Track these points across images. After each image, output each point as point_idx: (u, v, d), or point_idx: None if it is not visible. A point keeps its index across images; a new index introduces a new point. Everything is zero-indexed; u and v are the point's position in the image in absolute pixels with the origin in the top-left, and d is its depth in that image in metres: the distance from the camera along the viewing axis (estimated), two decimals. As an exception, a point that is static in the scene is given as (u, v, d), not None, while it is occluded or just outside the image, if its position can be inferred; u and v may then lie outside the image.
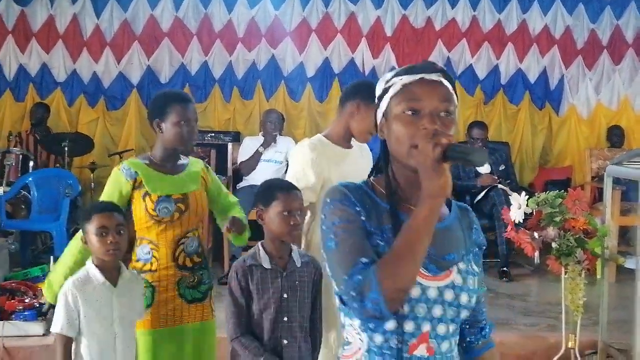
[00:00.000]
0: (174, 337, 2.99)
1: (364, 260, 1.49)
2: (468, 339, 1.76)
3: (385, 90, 1.62)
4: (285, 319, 2.61)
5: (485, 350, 1.78)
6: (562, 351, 4.03)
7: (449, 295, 1.58)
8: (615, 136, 7.59)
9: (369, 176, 1.70)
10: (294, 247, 2.74)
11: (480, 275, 1.68)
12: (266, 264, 2.64)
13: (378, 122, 1.66)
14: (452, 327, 1.61)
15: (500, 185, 6.29)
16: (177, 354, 3.00)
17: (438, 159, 1.44)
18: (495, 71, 7.85)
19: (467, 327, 1.74)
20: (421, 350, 1.57)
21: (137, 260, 2.99)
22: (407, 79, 1.58)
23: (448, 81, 1.60)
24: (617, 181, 5.27)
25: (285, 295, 2.62)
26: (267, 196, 2.67)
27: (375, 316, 1.47)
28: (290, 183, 2.83)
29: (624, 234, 6.27)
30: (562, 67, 7.89)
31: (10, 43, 7.52)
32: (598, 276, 4.18)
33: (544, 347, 4.46)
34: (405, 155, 1.54)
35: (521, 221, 3.88)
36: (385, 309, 1.44)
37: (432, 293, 1.56)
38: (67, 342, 2.69)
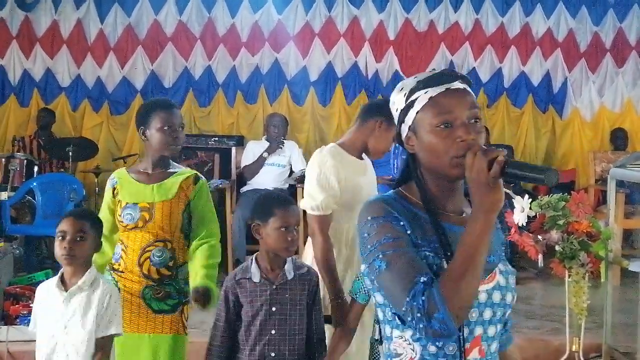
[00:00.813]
0: (137, 345, 2.96)
1: (423, 279, 1.47)
2: None
3: (411, 104, 1.60)
4: (273, 331, 2.59)
5: (509, 344, 1.81)
6: (566, 354, 4.03)
7: (496, 296, 1.61)
8: (619, 139, 7.57)
9: (394, 187, 1.70)
10: (289, 259, 2.70)
11: (514, 272, 1.71)
12: (255, 278, 2.62)
13: (403, 135, 1.64)
14: (499, 327, 1.64)
15: (504, 189, 6.27)
16: None
17: (496, 175, 1.44)
18: (498, 74, 7.85)
19: None
20: (474, 354, 1.59)
21: (113, 257, 3.07)
22: (432, 91, 1.58)
23: (468, 85, 1.61)
24: (620, 184, 5.27)
25: (273, 309, 2.60)
26: (264, 211, 2.64)
27: (442, 335, 1.47)
28: (288, 197, 2.83)
29: (628, 236, 6.26)
30: (566, 70, 7.88)
31: (14, 48, 7.55)
32: (602, 279, 4.18)
33: (548, 350, 4.46)
34: (446, 167, 1.55)
35: (525, 224, 3.88)
36: (453, 327, 1.46)
37: (482, 297, 1.58)
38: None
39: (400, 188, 1.68)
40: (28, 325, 4.25)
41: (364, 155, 3.27)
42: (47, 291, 2.72)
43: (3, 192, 6.05)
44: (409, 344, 1.60)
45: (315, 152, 3.22)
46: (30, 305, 4.51)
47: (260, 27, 7.68)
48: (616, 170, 4.37)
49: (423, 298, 1.45)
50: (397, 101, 1.65)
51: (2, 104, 7.55)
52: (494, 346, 1.63)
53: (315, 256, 3.03)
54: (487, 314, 1.59)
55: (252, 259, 2.69)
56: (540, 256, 3.87)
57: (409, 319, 1.48)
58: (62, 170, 6.97)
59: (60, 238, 2.65)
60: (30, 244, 6.31)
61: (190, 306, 3.05)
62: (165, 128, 2.98)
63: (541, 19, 7.84)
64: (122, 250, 3.02)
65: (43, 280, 4.99)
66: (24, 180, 6.40)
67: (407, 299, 1.47)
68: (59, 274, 2.71)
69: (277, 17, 7.67)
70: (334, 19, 7.72)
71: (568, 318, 3.99)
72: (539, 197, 3.98)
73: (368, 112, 3.21)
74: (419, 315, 1.45)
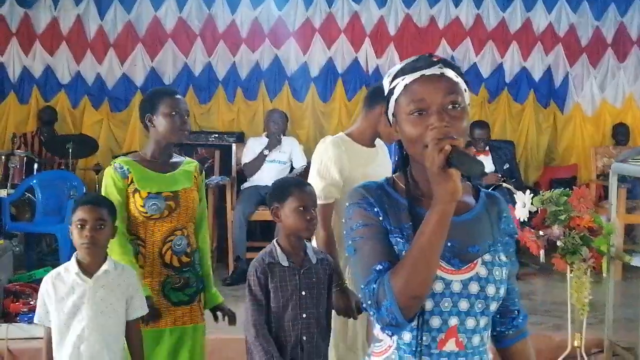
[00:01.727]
0: (157, 339, 2.95)
1: (379, 267, 1.49)
2: (498, 329, 1.73)
3: (391, 92, 1.61)
4: (304, 315, 2.63)
5: (518, 340, 1.76)
6: (568, 350, 4.02)
7: (474, 287, 1.57)
8: (621, 134, 7.56)
9: (393, 173, 1.70)
10: (308, 244, 2.76)
11: (510, 265, 1.66)
12: (284, 262, 2.65)
13: (391, 122, 1.65)
14: (482, 321, 1.59)
15: (504, 184, 6.26)
16: (162, 355, 2.97)
17: (443, 165, 1.43)
18: (499, 70, 7.83)
19: (498, 316, 1.72)
20: (450, 345, 1.56)
21: None
22: (408, 78, 1.57)
23: (451, 69, 1.58)
24: (622, 179, 5.25)
25: (303, 293, 2.64)
26: (281, 193, 2.69)
27: (391, 324, 1.46)
28: (303, 180, 2.85)
29: (630, 231, 6.24)
30: (567, 65, 7.86)
31: (14, 45, 7.53)
32: (604, 274, 4.16)
33: (550, 346, 4.44)
34: (420, 154, 1.54)
35: (526, 220, 3.87)
36: (400, 317, 1.44)
37: (456, 287, 1.55)
38: (49, 332, 2.69)
39: (394, 174, 1.69)
40: (28, 322, 4.30)
41: (378, 141, 3.26)
42: (63, 281, 2.67)
43: (3, 190, 6.04)
44: (389, 335, 1.60)
45: (320, 142, 3.24)
46: (31, 302, 4.52)
47: (260, 24, 7.66)
48: (618, 165, 4.35)
49: (374, 286, 1.47)
50: (385, 88, 1.66)
51: (2, 101, 7.52)
52: (477, 339, 1.59)
53: (317, 244, 3.04)
54: (463, 305, 1.56)
55: (273, 244, 2.71)
56: (541, 251, 3.86)
57: (364, 305, 1.51)
58: (62, 167, 6.95)
59: (79, 227, 2.63)
60: (30, 242, 6.29)
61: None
62: (174, 113, 2.97)
63: (542, 13, 7.82)
64: (140, 245, 2.95)
65: (43, 278, 5.06)
66: (23, 177, 6.39)
67: (362, 285, 1.50)
68: (74, 263, 2.67)
69: (277, 13, 7.65)
70: (335, 14, 7.70)
71: (570, 313, 3.98)
72: (541, 192, 3.97)
73: (373, 98, 3.19)
74: (369, 302, 1.48)
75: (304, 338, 2.62)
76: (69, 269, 2.68)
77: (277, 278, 2.63)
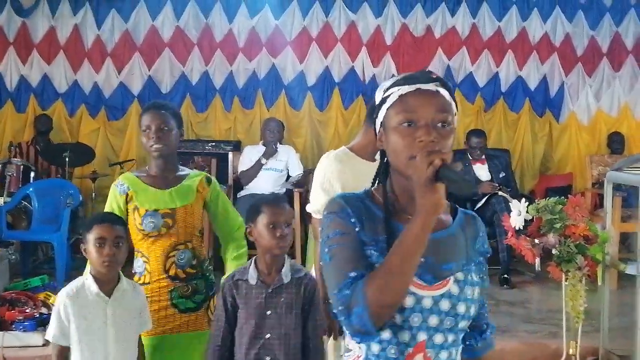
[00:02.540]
0: (165, 346, 2.96)
1: (353, 274, 1.50)
2: (467, 342, 1.74)
3: (383, 100, 1.62)
4: (268, 335, 2.58)
5: (485, 352, 1.78)
6: (563, 358, 4.03)
7: (445, 305, 1.57)
8: (616, 143, 7.58)
9: (372, 185, 1.70)
10: (287, 262, 2.69)
11: (481, 284, 1.67)
12: (252, 280, 2.62)
13: (377, 132, 1.66)
14: (450, 337, 1.60)
15: (500, 193, 6.29)
16: None
17: (431, 178, 1.45)
18: (495, 79, 7.86)
19: (468, 330, 1.72)
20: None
21: (134, 273, 3.02)
22: (404, 89, 1.59)
23: (446, 89, 1.60)
24: (618, 187, 5.27)
25: (268, 312, 2.59)
26: (254, 212, 2.66)
27: (360, 331, 1.47)
28: (278, 197, 2.86)
29: (625, 240, 6.25)
30: (562, 74, 7.89)
31: (11, 54, 7.54)
32: (599, 283, 4.17)
33: (545, 354, 4.45)
34: (403, 166, 1.55)
35: (521, 228, 3.87)
36: (370, 324, 1.45)
37: (426, 303, 1.56)
38: (61, 351, 2.70)
39: (372, 187, 1.69)
40: (24, 331, 4.30)
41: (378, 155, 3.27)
42: (83, 300, 2.69)
43: (-1, 198, 6.04)
44: (357, 342, 1.60)
45: (323, 157, 3.23)
46: (27, 310, 4.52)
47: (258, 33, 7.68)
48: (613, 173, 4.37)
49: (347, 292, 1.48)
50: (376, 97, 1.67)
51: (-1, 109, 7.54)
52: (445, 355, 1.59)
53: (314, 259, 3.05)
54: (433, 321, 1.56)
55: (251, 262, 2.69)
56: (537, 260, 3.86)
57: (335, 311, 1.51)
58: (59, 176, 6.96)
59: (98, 245, 2.66)
60: (26, 250, 6.29)
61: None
62: (145, 130, 2.96)
63: (538, 23, 7.85)
64: (145, 262, 2.97)
65: (39, 286, 5.07)
66: (20, 185, 6.40)
67: (335, 291, 1.50)
68: (92, 281, 2.70)
69: (274, 22, 7.67)
70: (331, 24, 7.73)
71: (565, 321, 3.98)
72: (536, 200, 3.98)
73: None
74: (340, 308, 1.48)
75: (267, 358, 2.57)
76: (87, 287, 2.71)
77: (242, 296, 2.60)
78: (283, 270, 2.65)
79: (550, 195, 4.75)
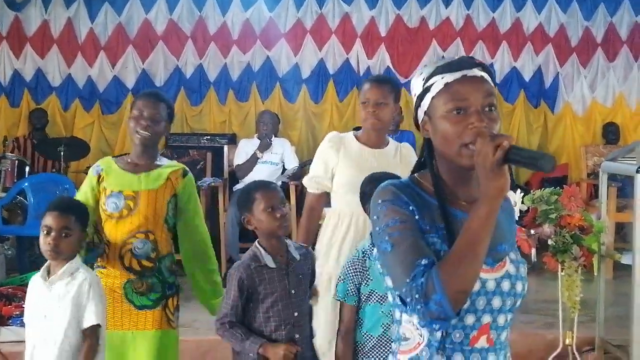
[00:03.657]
0: (122, 342, 2.93)
1: (424, 261, 1.48)
2: None
3: (427, 90, 1.61)
4: (296, 314, 2.65)
5: None
6: (559, 348, 4.03)
7: (506, 285, 1.60)
8: (611, 133, 7.60)
9: (412, 172, 1.70)
10: (289, 241, 2.76)
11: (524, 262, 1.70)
12: (271, 264, 2.64)
13: (419, 120, 1.65)
14: (509, 317, 1.64)
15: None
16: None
17: (499, 161, 1.44)
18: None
19: None
20: (482, 342, 1.59)
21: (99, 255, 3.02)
22: (449, 77, 1.58)
23: (487, 74, 1.61)
24: (613, 178, 5.28)
25: (293, 291, 2.65)
26: (246, 201, 2.69)
27: (439, 317, 1.47)
28: (264, 181, 2.88)
29: (620, 230, 6.27)
30: (557, 65, 7.89)
31: (4, 48, 7.52)
32: (595, 273, 4.19)
33: (541, 344, 4.46)
34: (455, 153, 1.55)
35: (517, 219, 3.88)
36: (450, 310, 1.45)
37: (490, 285, 1.58)
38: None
39: (416, 174, 1.69)
40: (20, 325, 4.30)
41: (398, 145, 3.36)
42: (34, 282, 2.71)
43: (-6, 193, 6.03)
44: (417, 329, 1.61)
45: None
46: (23, 305, 4.50)
47: (252, 25, 7.66)
48: (608, 164, 4.38)
49: (422, 280, 1.46)
50: (415, 86, 1.65)
51: (-7, 104, 7.52)
52: (504, 335, 1.63)
53: (297, 231, 3.18)
54: (496, 302, 1.59)
55: (256, 246, 2.69)
56: (533, 250, 3.87)
57: (408, 300, 1.49)
58: (54, 170, 6.94)
59: (44, 232, 2.62)
60: (22, 245, 6.26)
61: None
62: (136, 116, 2.96)
63: (532, 14, 7.85)
64: (105, 244, 2.96)
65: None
66: (15, 180, 6.37)
67: (408, 280, 1.48)
68: (46, 264, 2.70)
69: (268, 14, 7.65)
70: (325, 15, 7.71)
71: (561, 312, 3.99)
72: (532, 191, 3.98)
73: None
74: (417, 296, 1.46)
75: (297, 336, 2.63)
76: (40, 274, 2.68)
77: (265, 280, 2.62)
78: (290, 249, 2.72)
79: (545, 185, 4.76)
